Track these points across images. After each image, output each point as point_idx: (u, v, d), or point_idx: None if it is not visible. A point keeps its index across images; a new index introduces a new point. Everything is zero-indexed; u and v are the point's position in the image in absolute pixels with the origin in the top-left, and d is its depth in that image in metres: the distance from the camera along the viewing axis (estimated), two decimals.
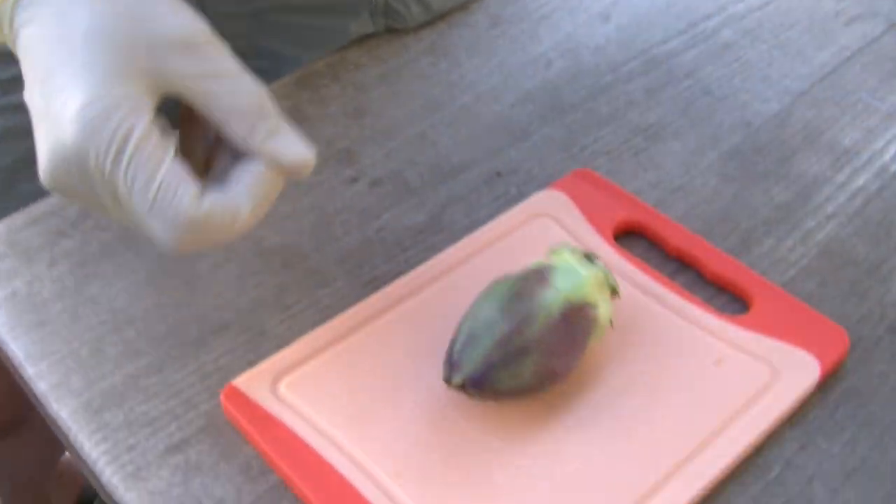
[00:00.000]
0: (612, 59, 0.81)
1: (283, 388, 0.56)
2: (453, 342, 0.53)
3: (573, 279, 0.54)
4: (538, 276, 0.54)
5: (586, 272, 0.54)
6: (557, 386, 0.54)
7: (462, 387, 0.51)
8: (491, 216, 0.67)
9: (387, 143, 0.74)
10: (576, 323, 0.53)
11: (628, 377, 0.56)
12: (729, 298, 0.62)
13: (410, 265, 0.64)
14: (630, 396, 0.55)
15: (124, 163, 0.46)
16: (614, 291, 0.56)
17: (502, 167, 0.72)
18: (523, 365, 0.51)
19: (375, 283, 0.63)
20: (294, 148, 0.50)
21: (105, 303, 0.63)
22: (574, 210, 0.65)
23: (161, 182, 0.47)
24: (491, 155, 0.73)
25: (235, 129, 0.49)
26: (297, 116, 0.76)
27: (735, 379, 0.56)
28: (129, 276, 0.65)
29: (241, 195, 0.49)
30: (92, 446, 0.55)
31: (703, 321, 0.59)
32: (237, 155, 0.50)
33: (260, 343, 0.60)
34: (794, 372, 0.56)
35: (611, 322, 0.55)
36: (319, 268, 0.65)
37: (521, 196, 0.69)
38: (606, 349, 0.57)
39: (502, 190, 0.70)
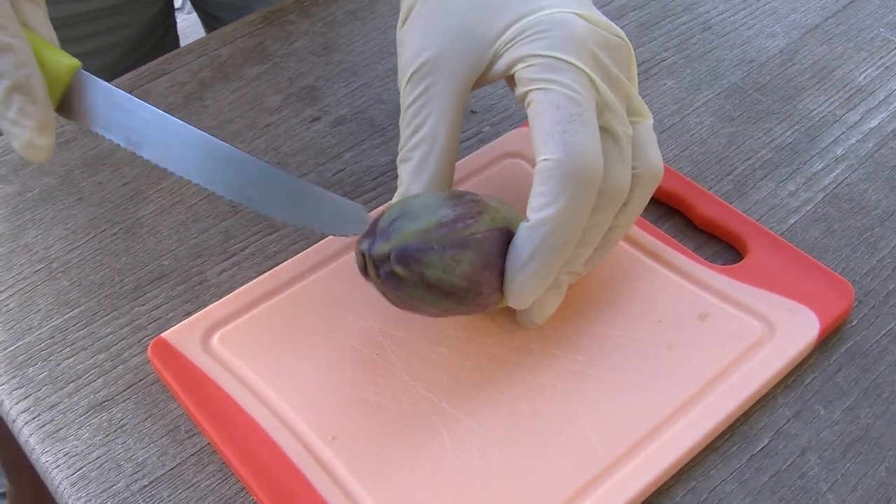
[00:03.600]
0: None
1: (215, 341, 0.50)
2: (379, 218, 0.45)
3: (508, 209, 0.47)
4: (471, 197, 0.47)
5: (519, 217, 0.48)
6: (478, 308, 0.47)
7: (384, 258, 0.44)
8: (461, 155, 0.61)
9: (354, 80, 0.68)
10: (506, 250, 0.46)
11: (599, 333, 0.50)
12: (721, 247, 0.56)
13: (368, 209, 0.58)
14: (601, 355, 0.49)
15: None
16: None
17: (477, 105, 0.65)
18: (459, 260, 0.44)
19: None
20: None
21: (40, 251, 0.58)
22: None
23: None
24: None
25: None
26: (262, 55, 0.70)
27: (721, 335, 0.49)
28: (67, 222, 0.60)
29: None
30: (12, 403, 0.51)
31: (687, 270, 0.52)
32: None
33: (199, 293, 0.55)
34: (790, 329, 0.50)
35: None
36: None
37: (495, 135, 0.63)
38: (576, 301, 0.51)
39: (475, 129, 0.64)
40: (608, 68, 0.46)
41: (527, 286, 0.45)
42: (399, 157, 0.50)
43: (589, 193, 0.44)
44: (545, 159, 0.44)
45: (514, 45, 0.46)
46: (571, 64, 0.44)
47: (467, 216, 0.45)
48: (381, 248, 0.44)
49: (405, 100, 0.49)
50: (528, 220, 0.45)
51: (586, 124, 0.44)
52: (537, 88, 0.45)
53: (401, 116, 0.49)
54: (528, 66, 0.45)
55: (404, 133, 0.49)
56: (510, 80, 0.48)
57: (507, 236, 0.46)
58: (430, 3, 0.49)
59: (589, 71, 0.45)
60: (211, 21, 0.96)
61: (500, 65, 0.47)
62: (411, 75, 0.48)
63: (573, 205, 0.44)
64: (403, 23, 0.50)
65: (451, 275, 0.44)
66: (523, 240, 0.45)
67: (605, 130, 0.45)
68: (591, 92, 0.45)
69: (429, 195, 0.46)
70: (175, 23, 0.93)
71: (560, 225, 0.44)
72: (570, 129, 0.43)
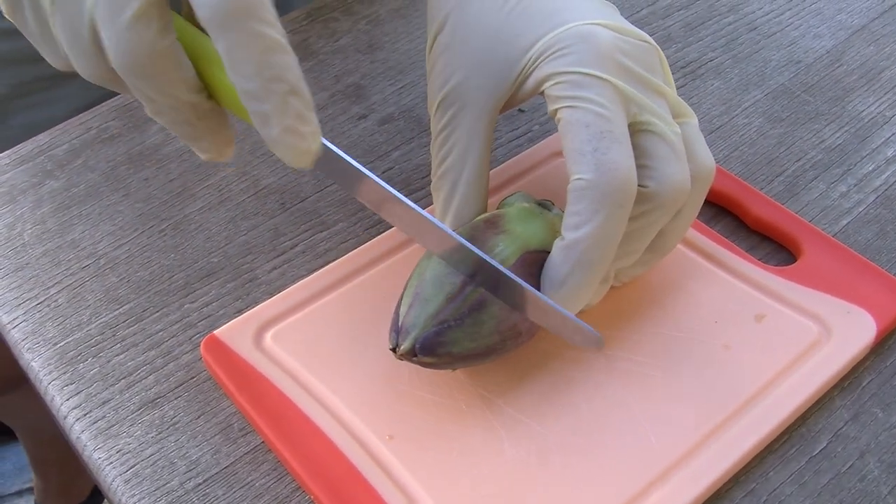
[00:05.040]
0: None
1: (268, 339, 0.50)
2: (398, 305, 0.46)
3: (529, 224, 0.47)
4: (488, 224, 0.47)
5: (543, 216, 0.48)
6: (521, 347, 0.47)
7: (412, 353, 0.44)
8: (510, 155, 0.60)
9: (400, 78, 0.68)
10: (536, 272, 0.46)
11: (656, 333, 0.50)
12: (774, 248, 0.55)
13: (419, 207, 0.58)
14: (658, 356, 0.49)
15: None
16: None
17: (525, 104, 0.65)
18: (481, 322, 0.44)
19: (378, 227, 0.57)
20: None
21: (88, 247, 0.58)
22: None
23: None
24: None
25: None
26: (306, 52, 0.70)
27: (778, 337, 0.49)
28: (114, 218, 0.60)
29: None
30: (63, 399, 0.51)
31: (742, 271, 0.52)
32: None
33: (250, 290, 0.55)
34: (847, 330, 0.49)
35: None
36: (319, 210, 0.59)
37: (544, 133, 0.62)
38: (632, 300, 0.51)
39: (524, 128, 0.64)
40: (639, 74, 0.45)
41: (569, 300, 0.45)
42: (432, 185, 0.50)
43: (623, 210, 0.44)
44: (578, 178, 0.43)
45: (539, 63, 0.46)
46: (598, 77, 0.44)
47: (477, 273, 0.44)
48: (405, 346, 0.44)
49: (434, 128, 0.49)
50: (562, 238, 0.44)
51: (617, 140, 0.43)
52: (565, 106, 0.44)
53: (431, 144, 0.49)
54: (555, 83, 0.45)
55: (434, 162, 0.49)
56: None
57: (528, 261, 0.46)
58: (454, 28, 0.48)
59: (617, 81, 0.44)
60: None
61: (529, 85, 0.46)
62: (438, 104, 0.48)
63: (607, 223, 0.43)
64: (430, 48, 0.50)
65: (479, 339, 0.44)
66: (559, 259, 0.44)
67: (649, 133, 0.45)
68: (620, 105, 0.44)
69: (437, 258, 0.46)
70: None
71: (595, 244, 0.43)
72: (601, 146, 0.43)
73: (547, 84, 0.45)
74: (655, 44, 0.47)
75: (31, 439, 1.26)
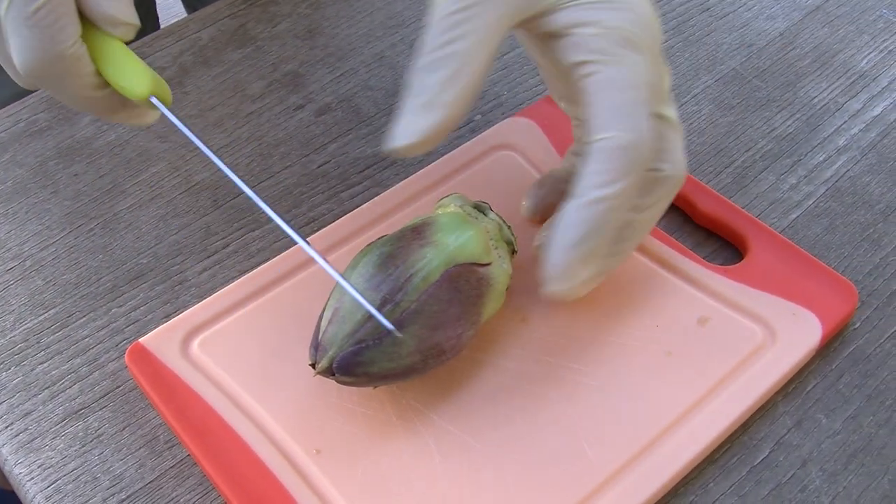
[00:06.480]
0: None
1: (195, 347, 0.48)
2: (321, 316, 0.44)
3: (458, 234, 0.45)
4: (415, 234, 0.45)
5: (475, 225, 0.46)
6: (445, 364, 0.45)
7: (329, 372, 0.43)
8: (449, 147, 0.58)
9: (339, 65, 0.65)
10: (463, 287, 0.44)
11: (596, 339, 0.48)
12: (720, 245, 0.54)
13: (354, 204, 0.56)
14: (597, 363, 0.47)
15: None
16: (512, 247, 0.48)
17: None
18: (400, 342, 0.42)
19: (313, 225, 0.55)
20: None
21: (13, 248, 0.56)
22: (543, 141, 0.57)
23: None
24: None
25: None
26: (244, 38, 0.68)
27: (721, 341, 0.48)
28: (42, 217, 0.57)
29: None
30: None
31: (686, 271, 0.50)
32: None
33: (179, 293, 0.53)
34: (792, 333, 0.48)
35: (508, 285, 0.47)
36: (252, 207, 0.57)
37: (487, 125, 0.60)
38: (565, 306, 0.49)
39: (465, 118, 0.61)
40: (658, 53, 0.43)
41: (575, 267, 0.42)
42: (420, 65, 0.41)
43: (639, 181, 0.42)
44: (610, 137, 0.41)
45: (576, 5, 0.42)
46: (641, 45, 0.42)
47: (395, 290, 0.42)
48: (322, 365, 0.43)
49: (449, 5, 0.41)
50: (578, 198, 0.41)
51: (650, 109, 0.42)
52: (607, 61, 0.41)
53: (432, 19, 0.42)
54: (596, 34, 0.41)
55: (436, 39, 0.41)
56: (542, 40, 0.44)
57: (454, 276, 0.44)
58: None
59: (654, 57, 0.42)
60: (192, 0, 0.93)
61: (557, 20, 0.42)
62: None
63: (633, 188, 0.42)
64: None
65: (399, 359, 0.43)
66: (576, 218, 0.41)
67: (662, 117, 0.44)
68: (655, 78, 0.42)
69: (360, 270, 0.44)
70: (155, 3, 0.90)
71: (620, 206, 0.41)
72: (640, 112, 0.41)
73: (585, 30, 0.42)
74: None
75: None
